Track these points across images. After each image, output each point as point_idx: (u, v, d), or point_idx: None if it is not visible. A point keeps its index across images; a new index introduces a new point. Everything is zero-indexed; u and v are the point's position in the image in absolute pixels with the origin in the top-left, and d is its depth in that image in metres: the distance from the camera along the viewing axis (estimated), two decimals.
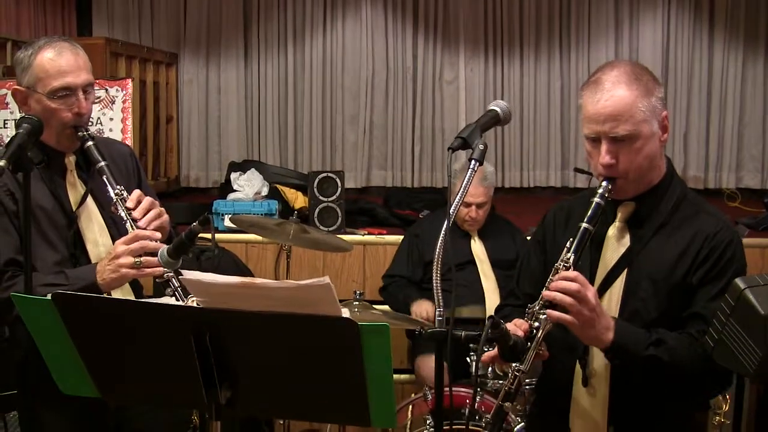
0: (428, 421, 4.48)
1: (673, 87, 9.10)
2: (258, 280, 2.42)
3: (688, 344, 2.89)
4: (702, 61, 9.18)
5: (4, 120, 6.42)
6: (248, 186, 7.38)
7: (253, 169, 7.67)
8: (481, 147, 2.80)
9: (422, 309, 5.39)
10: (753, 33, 9.09)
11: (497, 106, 2.97)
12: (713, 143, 9.19)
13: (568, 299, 2.81)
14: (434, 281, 2.67)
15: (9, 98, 6.34)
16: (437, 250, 2.68)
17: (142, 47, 8.43)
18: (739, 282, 2.60)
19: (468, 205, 5.42)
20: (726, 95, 9.16)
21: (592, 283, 2.96)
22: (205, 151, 9.43)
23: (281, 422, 5.82)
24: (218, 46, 9.38)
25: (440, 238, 2.69)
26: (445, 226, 2.68)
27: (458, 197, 2.78)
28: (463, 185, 2.76)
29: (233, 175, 7.62)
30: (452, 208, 2.76)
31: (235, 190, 7.41)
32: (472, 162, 2.79)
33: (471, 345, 4.51)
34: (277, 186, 7.55)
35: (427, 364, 5.35)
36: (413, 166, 9.39)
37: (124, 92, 6.64)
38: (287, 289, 2.39)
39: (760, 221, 7.11)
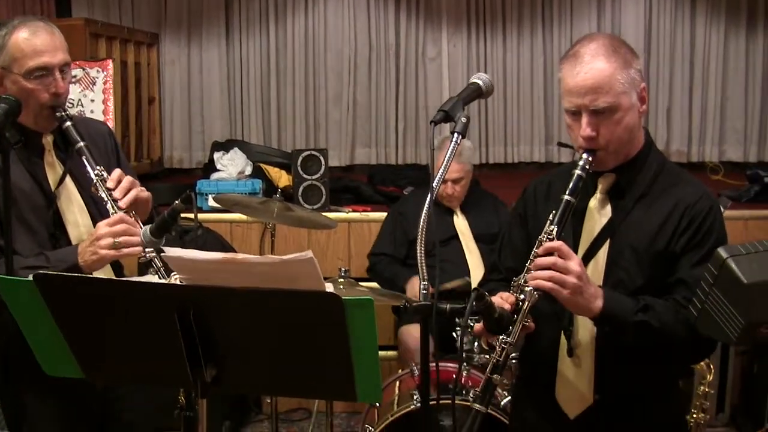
0: (415, 397, 4.49)
1: (656, 61, 9.10)
2: (240, 256, 2.41)
3: (675, 310, 2.92)
4: (684, 35, 9.16)
5: None
6: (232, 165, 7.38)
7: (236, 149, 7.66)
8: (463, 120, 2.79)
9: (415, 288, 5.40)
10: (735, 6, 9.08)
11: (479, 78, 2.96)
12: (696, 117, 9.19)
13: (547, 273, 2.83)
14: (418, 255, 2.66)
15: None
16: (420, 225, 2.67)
17: (123, 28, 8.37)
18: (722, 251, 2.61)
19: (444, 181, 5.41)
20: (708, 69, 9.15)
21: (575, 254, 2.97)
22: (188, 131, 9.38)
23: (269, 400, 5.82)
24: (199, 26, 9.32)
25: (423, 213, 2.68)
26: (428, 200, 2.67)
27: (440, 172, 2.77)
28: (445, 159, 2.75)
29: (216, 155, 7.61)
30: (435, 182, 2.75)
31: (219, 170, 7.41)
32: (455, 135, 2.79)
33: (456, 318, 4.52)
34: (261, 165, 7.54)
35: (411, 333, 5.37)
36: (397, 143, 9.36)
37: (105, 73, 6.62)
38: (270, 264, 2.39)
39: (742, 193, 7.15)
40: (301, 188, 6.91)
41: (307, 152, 7.01)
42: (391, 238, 5.84)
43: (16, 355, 3.19)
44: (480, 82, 2.95)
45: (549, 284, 2.84)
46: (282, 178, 7.38)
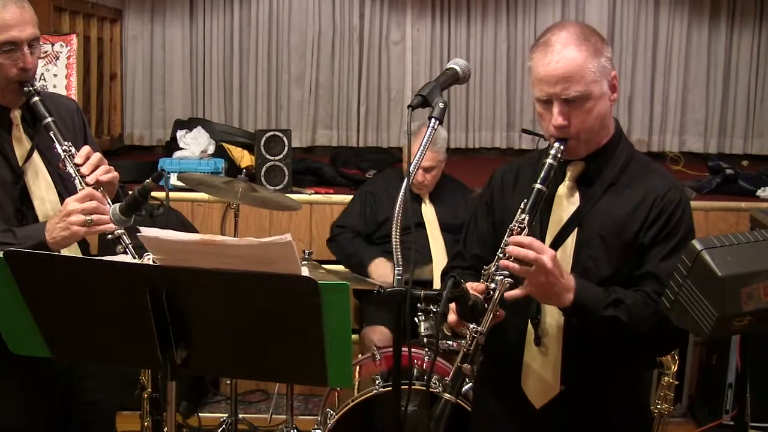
0: (377, 381, 4.48)
1: (618, 50, 9.12)
2: (218, 238, 2.39)
3: (644, 303, 2.92)
4: (647, 24, 9.21)
5: None
6: (194, 144, 7.33)
7: (199, 127, 7.60)
8: (441, 105, 2.78)
9: (381, 271, 5.40)
10: None
11: (456, 64, 2.94)
12: (657, 107, 9.24)
13: (522, 268, 2.82)
14: (393, 241, 2.65)
15: None
16: (396, 210, 2.65)
17: (86, 3, 8.27)
18: (696, 243, 2.62)
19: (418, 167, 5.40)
20: (670, 59, 9.21)
21: (543, 241, 2.98)
22: (149, 108, 9.30)
23: (228, 381, 5.80)
24: (163, 3, 9.23)
25: (399, 198, 2.66)
26: (404, 184, 2.66)
27: (417, 158, 2.75)
28: (422, 144, 2.73)
29: (179, 133, 7.56)
30: (411, 167, 2.74)
31: (181, 148, 7.36)
32: (432, 120, 2.77)
33: (430, 306, 4.52)
34: (224, 144, 7.49)
35: (378, 333, 5.37)
36: (359, 125, 9.33)
37: (69, 48, 6.56)
38: (248, 247, 2.38)
39: (703, 184, 7.19)
40: (263, 169, 6.88)
41: (271, 133, 6.98)
42: (359, 214, 5.82)
43: None
44: (457, 68, 2.94)
45: (522, 274, 2.83)
46: (244, 158, 7.34)
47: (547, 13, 9.21)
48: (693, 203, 5.74)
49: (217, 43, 9.27)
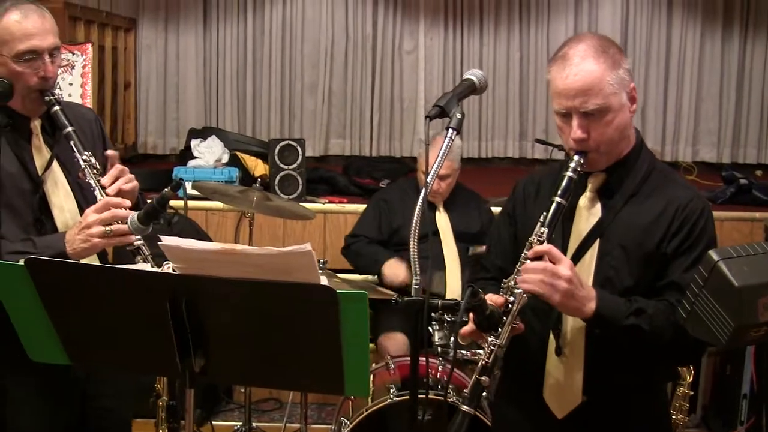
0: (392, 390, 4.48)
1: (632, 60, 9.06)
2: (238, 247, 2.40)
3: (666, 313, 2.90)
4: (660, 34, 9.22)
5: None
6: (208, 153, 7.35)
7: (213, 136, 7.63)
8: (458, 116, 2.79)
9: (395, 271, 5.41)
10: (711, 7, 9.15)
11: (473, 74, 2.96)
12: (670, 117, 9.25)
13: (537, 277, 2.83)
14: (411, 250, 2.66)
15: None
16: (414, 219, 2.66)
17: (101, 12, 8.32)
18: (713, 254, 2.62)
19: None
20: (683, 69, 9.21)
21: (565, 253, 2.96)
22: (162, 117, 9.34)
23: (242, 389, 5.81)
24: (177, 12, 9.28)
25: (417, 208, 2.67)
26: (422, 194, 2.67)
27: (435, 167, 2.76)
28: (440, 155, 2.74)
29: (193, 142, 7.58)
30: (429, 177, 2.75)
31: (195, 157, 7.38)
32: (450, 131, 2.78)
33: (444, 315, 4.52)
34: (237, 153, 7.51)
35: (394, 340, 5.37)
36: (372, 135, 9.36)
37: (84, 57, 6.58)
38: (268, 256, 2.38)
39: (717, 195, 7.18)
40: (277, 178, 6.91)
41: (285, 142, 7.02)
42: (374, 222, 5.81)
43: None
44: (474, 78, 2.96)
45: (539, 289, 2.83)
46: (258, 167, 7.37)
47: (560, 22, 9.22)
48: None
49: (230, 52, 9.31)
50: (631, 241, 3.01)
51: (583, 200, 3.08)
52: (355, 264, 5.80)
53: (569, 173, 2.94)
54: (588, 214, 3.08)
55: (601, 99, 2.90)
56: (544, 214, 2.93)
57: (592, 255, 3.04)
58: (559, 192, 2.94)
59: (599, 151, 2.98)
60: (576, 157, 2.96)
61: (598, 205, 3.08)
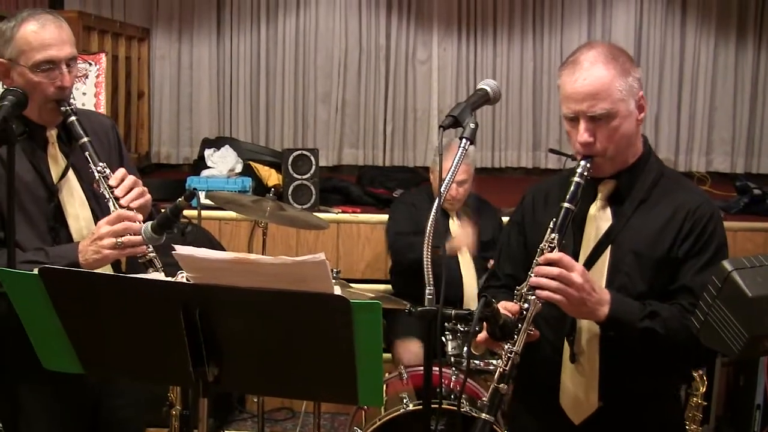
0: (405, 400, 4.48)
1: (645, 70, 9.11)
2: (252, 256, 2.41)
3: (680, 316, 2.93)
4: (674, 44, 9.21)
5: None
6: (222, 163, 7.37)
7: (227, 146, 7.65)
8: (472, 126, 2.80)
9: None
10: (725, 17, 9.13)
11: (487, 85, 2.97)
12: (684, 126, 9.24)
13: (553, 284, 2.83)
14: (425, 260, 2.67)
15: None
16: (428, 227, 2.67)
17: (115, 22, 8.36)
18: (726, 264, 2.61)
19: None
20: (697, 79, 9.20)
21: (576, 260, 2.98)
22: (176, 127, 9.38)
23: (255, 399, 5.81)
24: (191, 22, 9.31)
25: (431, 217, 2.68)
26: (436, 204, 2.68)
27: (449, 176, 2.77)
28: (453, 164, 2.75)
29: (207, 152, 7.60)
30: (443, 187, 2.75)
31: (209, 167, 7.39)
32: (463, 141, 2.79)
33: (457, 325, 4.52)
34: (251, 163, 7.53)
35: (408, 347, 5.36)
36: (385, 144, 9.37)
37: (98, 67, 6.60)
38: (282, 266, 2.39)
39: (731, 204, 7.16)
40: (291, 187, 6.92)
41: (298, 152, 7.02)
42: (408, 221, 5.72)
43: (12, 348, 3.18)
44: (488, 89, 2.97)
45: (552, 296, 2.85)
46: (271, 177, 7.38)
47: (573, 32, 9.23)
48: None
49: (244, 62, 9.34)
50: (642, 247, 3.04)
51: (594, 207, 3.12)
52: (411, 260, 5.59)
53: (576, 179, 2.99)
54: (599, 222, 3.12)
55: (609, 104, 2.94)
56: (554, 219, 2.96)
57: (603, 261, 3.08)
58: (567, 197, 2.97)
59: (605, 156, 3.01)
60: (582, 163, 3.01)
61: (609, 212, 3.12)
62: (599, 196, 3.12)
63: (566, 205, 2.96)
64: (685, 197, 3.09)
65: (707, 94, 9.17)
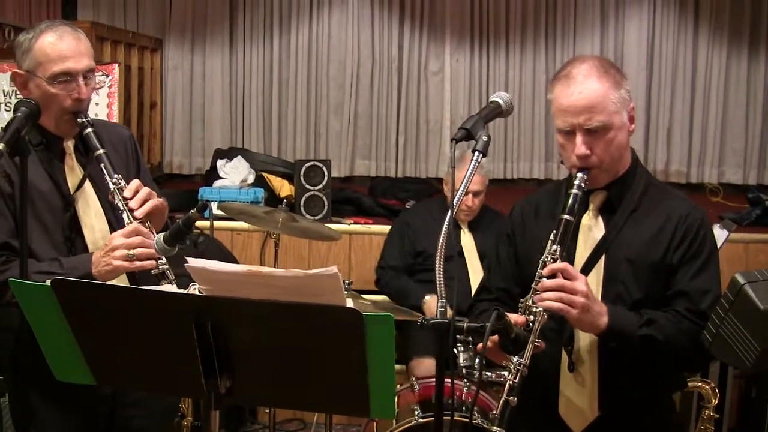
0: (416, 412, 4.48)
1: (657, 82, 9.10)
2: (265, 269, 2.42)
3: (676, 321, 3.01)
4: (686, 56, 9.17)
5: None
6: (234, 173, 7.38)
7: (239, 157, 7.66)
8: (484, 138, 2.82)
9: (434, 309, 5.39)
10: (737, 29, 9.09)
11: (499, 97, 2.99)
12: (696, 138, 9.18)
13: (560, 294, 2.87)
14: (437, 272, 2.67)
15: None
16: (440, 241, 2.67)
17: (128, 32, 8.37)
18: (739, 277, 2.63)
19: (465, 193, 5.40)
20: (710, 90, 9.15)
21: None
22: (188, 137, 9.37)
23: (266, 410, 5.81)
24: (203, 33, 9.32)
25: (443, 230, 2.68)
26: (448, 217, 2.68)
27: (462, 188, 2.77)
28: (465, 177, 2.75)
29: (219, 162, 7.61)
30: (455, 199, 2.75)
31: (221, 177, 7.40)
32: (476, 154, 2.80)
33: (470, 337, 4.51)
34: (263, 174, 7.54)
35: (425, 365, 5.36)
36: (397, 156, 9.35)
37: (110, 77, 6.62)
38: (295, 278, 2.39)
39: (743, 216, 7.13)
40: (303, 198, 6.93)
41: (310, 163, 7.05)
42: (398, 249, 5.82)
43: (26, 358, 3.20)
44: (501, 101, 2.98)
45: (558, 305, 2.88)
46: (284, 188, 7.39)
47: (586, 43, 9.20)
48: (733, 235, 5.78)
49: (256, 73, 9.34)
50: (636, 255, 3.12)
51: (586, 218, 3.21)
52: (392, 299, 5.77)
53: (574, 190, 3.06)
54: (592, 232, 3.19)
55: (605, 116, 3.02)
56: (554, 232, 3.02)
57: (598, 271, 3.15)
58: (566, 209, 3.03)
59: (601, 168, 3.09)
60: (580, 175, 3.07)
61: (601, 223, 3.20)
62: (591, 206, 3.20)
63: (566, 217, 3.03)
64: (675, 204, 3.19)
65: (719, 106, 9.12)
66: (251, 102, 9.36)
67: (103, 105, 6.60)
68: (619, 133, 3.06)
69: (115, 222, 3.41)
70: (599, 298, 3.07)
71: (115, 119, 6.53)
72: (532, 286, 2.99)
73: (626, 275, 3.11)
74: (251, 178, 7.45)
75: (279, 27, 9.30)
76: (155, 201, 3.40)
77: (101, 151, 3.36)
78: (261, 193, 7.10)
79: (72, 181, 3.42)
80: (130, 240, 3.21)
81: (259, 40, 9.32)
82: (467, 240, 5.63)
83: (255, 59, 9.35)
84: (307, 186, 6.93)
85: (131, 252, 3.19)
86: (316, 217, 6.76)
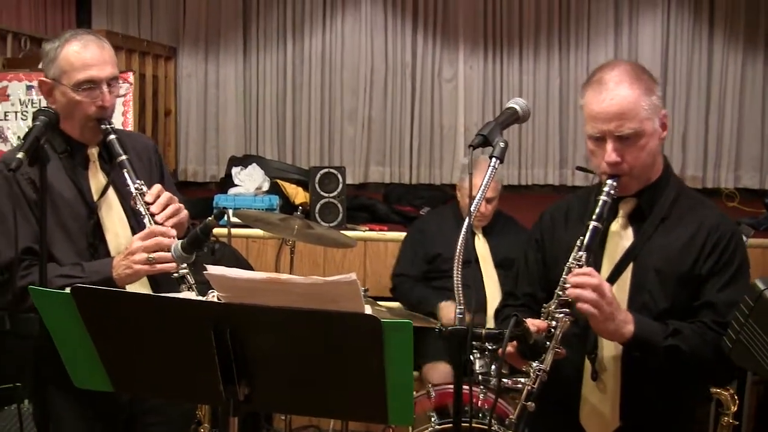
0: (432, 419, 4.47)
1: (672, 87, 9.07)
2: (284, 276, 2.42)
3: (702, 333, 2.96)
4: (701, 61, 9.14)
5: (5, 112, 6.41)
6: (249, 181, 7.39)
7: (254, 164, 7.67)
8: (501, 145, 2.81)
9: (451, 314, 5.37)
10: (752, 33, 9.07)
11: (516, 103, 2.98)
12: (712, 143, 9.16)
13: (589, 295, 2.84)
14: (455, 280, 2.66)
15: (10, 90, 6.33)
16: (458, 248, 2.67)
17: (142, 41, 8.42)
18: (759, 283, 2.61)
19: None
20: (725, 95, 9.12)
21: None
22: (202, 145, 9.41)
23: (282, 417, 5.81)
24: (217, 41, 9.35)
25: (461, 237, 2.68)
26: (466, 223, 2.67)
27: (478, 196, 2.77)
28: (483, 183, 2.75)
29: (234, 170, 7.62)
30: (473, 206, 2.74)
31: (236, 185, 7.41)
32: (493, 160, 2.79)
33: (486, 344, 4.51)
34: (278, 181, 7.55)
35: (438, 370, 5.35)
36: (411, 162, 9.35)
37: (126, 86, 6.63)
38: (314, 285, 2.39)
39: (760, 221, 7.11)
40: (318, 205, 6.93)
41: (325, 170, 7.04)
42: (412, 257, 5.82)
43: (47, 365, 3.21)
44: (517, 107, 2.97)
45: (588, 307, 2.85)
46: (299, 195, 7.39)
47: (600, 49, 9.19)
48: (750, 240, 5.75)
49: (270, 80, 9.36)
50: (664, 264, 3.07)
51: (615, 225, 3.16)
52: (407, 307, 5.77)
53: (603, 197, 3.01)
54: (620, 239, 3.15)
55: (636, 123, 2.97)
56: (581, 238, 2.98)
57: (625, 279, 3.10)
58: (594, 216, 3.00)
59: (632, 175, 3.05)
60: (609, 181, 3.03)
61: (630, 230, 3.15)
62: (620, 213, 3.16)
63: (594, 223, 2.99)
64: (706, 214, 3.13)
65: (735, 110, 9.09)
66: (265, 109, 9.38)
67: (118, 113, 6.60)
68: (650, 140, 3.01)
69: (137, 227, 3.43)
70: (624, 306, 3.03)
71: (130, 128, 6.56)
72: (556, 291, 2.97)
73: (653, 284, 3.07)
74: (266, 186, 7.46)
75: (292, 34, 9.33)
76: (176, 206, 3.42)
77: (124, 157, 3.40)
78: (276, 200, 7.10)
79: (96, 188, 3.46)
80: (146, 242, 3.23)
81: (272, 47, 9.36)
82: (481, 245, 5.63)
83: (268, 66, 9.38)
84: (322, 193, 6.93)
85: (151, 255, 3.21)
86: (331, 224, 6.76)
